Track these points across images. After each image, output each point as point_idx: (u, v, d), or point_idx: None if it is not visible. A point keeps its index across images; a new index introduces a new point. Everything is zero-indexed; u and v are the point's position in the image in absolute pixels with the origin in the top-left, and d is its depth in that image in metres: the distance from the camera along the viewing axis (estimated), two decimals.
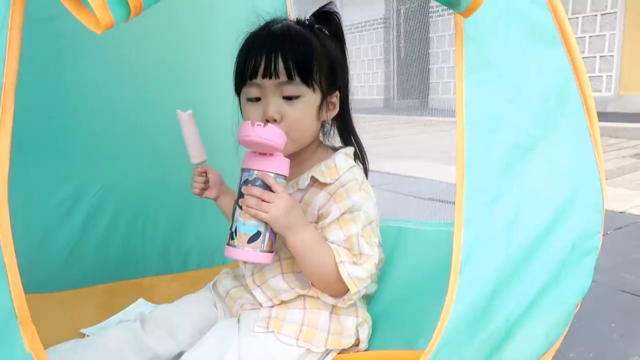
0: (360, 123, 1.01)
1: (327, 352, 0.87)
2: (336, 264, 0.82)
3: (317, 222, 0.88)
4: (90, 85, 1.30)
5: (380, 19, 9.72)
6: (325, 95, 0.87)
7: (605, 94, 6.70)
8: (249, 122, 0.79)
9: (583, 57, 1.77)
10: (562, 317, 0.86)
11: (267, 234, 0.81)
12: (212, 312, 0.98)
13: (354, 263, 0.83)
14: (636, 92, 6.48)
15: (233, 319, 0.91)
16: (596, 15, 6.70)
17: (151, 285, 1.39)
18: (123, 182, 1.40)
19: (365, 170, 0.96)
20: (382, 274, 1.05)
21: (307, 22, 0.90)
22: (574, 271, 0.85)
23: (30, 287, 0.64)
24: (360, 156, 0.96)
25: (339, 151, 0.92)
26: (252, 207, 0.79)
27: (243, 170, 0.83)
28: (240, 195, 0.82)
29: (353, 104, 0.96)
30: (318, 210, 0.87)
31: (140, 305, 1.25)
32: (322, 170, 0.87)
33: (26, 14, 0.54)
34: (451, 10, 0.72)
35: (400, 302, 1.03)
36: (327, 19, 0.91)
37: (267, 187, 0.81)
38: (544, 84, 0.85)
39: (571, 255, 0.84)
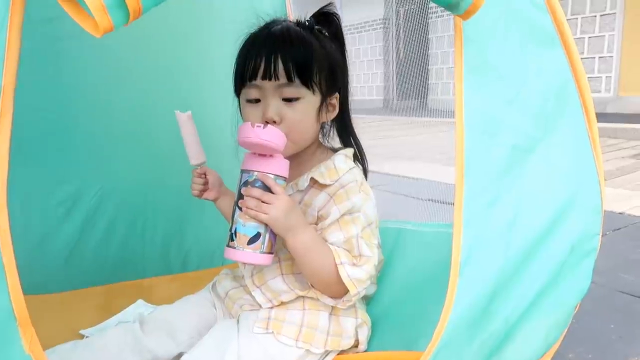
0: (360, 124, 1.01)
1: (327, 353, 0.87)
2: (336, 265, 0.82)
3: (316, 224, 0.88)
4: (90, 86, 1.30)
5: (380, 19, 9.73)
6: (325, 96, 0.87)
7: (605, 95, 6.71)
8: (249, 123, 0.79)
9: (582, 58, 1.78)
10: (561, 318, 0.87)
11: (267, 236, 0.81)
12: (212, 313, 0.98)
13: (354, 264, 0.83)
14: (635, 93, 6.49)
15: (232, 320, 0.91)
16: (595, 16, 6.70)
17: (150, 286, 1.39)
18: (122, 183, 1.40)
19: (365, 172, 0.96)
20: (381, 275, 1.05)
21: (306, 24, 0.90)
22: (573, 273, 0.85)
23: (30, 288, 0.65)
24: (359, 157, 0.96)
25: (338, 152, 0.92)
26: (251, 209, 0.79)
27: (243, 171, 0.83)
28: (240, 196, 0.82)
29: (352, 105, 0.96)
30: (318, 212, 0.87)
31: (140, 306, 1.25)
32: (321, 172, 0.87)
33: (25, 15, 0.54)
34: (450, 12, 0.72)
35: (399, 303, 1.03)
36: (326, 20, 0.91)
37: (267, 189, 0.81)
38: (543, 86, 0.85)
39: (570, 257, 0.84)
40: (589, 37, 6.79)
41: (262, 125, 0.78)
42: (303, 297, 0.89)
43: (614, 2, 6.53)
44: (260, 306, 0.90)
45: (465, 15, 0.70)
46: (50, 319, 1.08)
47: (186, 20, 1.36)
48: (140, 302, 1.27)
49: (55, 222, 1.34)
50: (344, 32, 0.94)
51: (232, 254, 0.82)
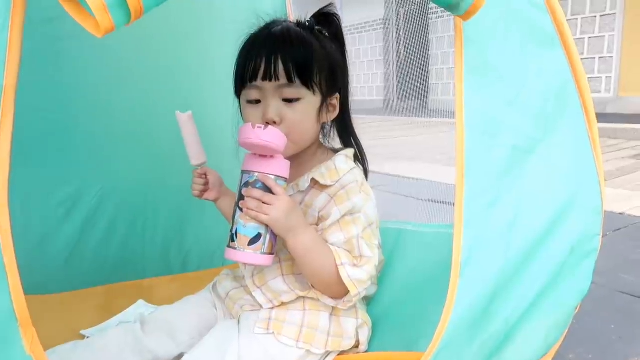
0: (360, 124, 1.01)
1: (327, 353, 0.87)
2: (336, 266, 0.82)
3: (317, 224, 0.88)
4: (90, 86, 1.30)
5: (380, 20, 9.73)
6: (326, 97, 0.87)
7: (605, 95, 6.71)
8: (249, 124, 0.79)
9: (582, 58, 1.78)
10: (562, 319, 0.86)
11: (268, 236, 0.81)
12: (212, 313, 0.98)
13: (355, 265, 0.83)
14: (635, 93, 6.49)
15: (233, 321, 0.91)
16: (595, 17, 6.71)
17: (151, 286, 1.39)
18: (123, 183, 1.40)
19: (365, 172, 0.96)
20: (381, 275, 1.05)
21: (307, 24, 0.90)
22: (574, 273, 0.85)
23: (30, 288, 0.64)
24: (360, 158, 0.96)
25: (339, 153, 0.92)
26: (252, 210, 0.79)
27: (243, 172, 0.83)
28: (241, 197, 0.82)
29: (352, 105, 0.96)
30: (318, 212, 0.87)
31: (140, 307, 1.25)
32: (322, 172, 0.87)
33: (25, 16, 0.54)
34: (450, 13, 0.72)
35: (400, 304, 1.03)
36: (327, 20, 0.91)
37: (268, 189, 0.81)
38: (543, 86, 0.85)
39: (570, 258, 0.84)
40: (589, 38, 6.79)
41: (263, 126, 0.78)
42: (304, 297, 0.89)
43: (614, 3, 6.53)
44: (260, 307, 0.90)
45: (466, 15, 0.70)
46: (51, 319, 1.08)
47: (186, 20, 1.36)
48: (140, 302, 1.27)
49: (56, 222, 1.34)
50: (344, 33, 0.94)
51: (232, 255, 0.82)
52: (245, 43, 0.87)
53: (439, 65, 8.74)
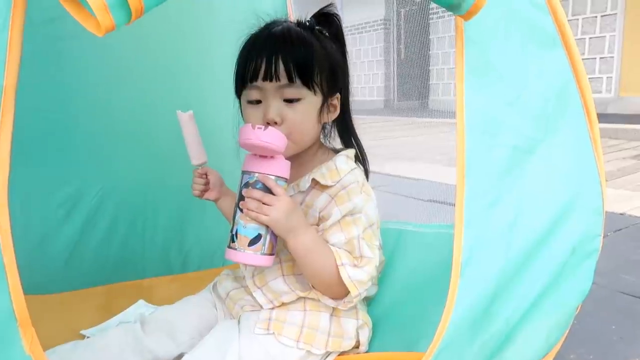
0: (361, 124, 1.01)
1: (328, 354, 0.87)
2: (337, 266, 0.82)
3: (318, 225, 0.87)
4: (90, 86, 1.30)
5: (381, 20, 9.73)
6: (326, 97, 0.87)
7: (606, 95, 6.71)
8: (250, 124, 0.79)
9: (583, 59, 1.77)
10: (563, 319, 0.86)
11: (268, 237, 0.81)
12: (212, 313, 0.98)
13: (355, 266, 0.83)
14: (636, 94, 6.49)
15: (233, 321, 0.91)
16: (596, 17, 6.70)
17: (151, 286, 1.39)
18: (123, 183, 1.40)
19: (366, 172, 0.96)
20: (382, 276, 1.05)
21: (307, 24, 0.90)
22: (574, 274, 0.85)
23: (30, 288, 0.65)
24: (360, 158, 0.96)
25: (340, 153, 0.92)
26: (252, 210, 0.79)
27: (244, 172, 0.83)
28: (241, 197, 0.82)
29: (353, 105, 0.96)
30: (319, 213, 0.87)
31: (140, 307, 1.25)
32: (323, 173, 0.87)
33: (26, 16, 0.54)
34: (451, 13, 0.72)
35: (400, 304, 1.03)
36: (327, 20, 0.91)
37: (268, 190, 0.80)
38: (544, 87, 0.85)
39: (571, 258, 0.84)
40: (590, 38, 6.78)
41: (263, 126, 0.78)
42: (304, 298, 0.89)
43: (615, 3, 6.53)
44: (261, 307, 0.90)
45: (467, 15, 0.70)
46: (51, 320, 1.08)
47: (186, 20, 1.36)
48: (141, 302, 1.27)
49: (56, 222, 1.34)
50: (345, 33, 0.94)
51: (232, 255, 0.82)
52: (245, 43, 0.87)
53: (440, 66, 8.74)
